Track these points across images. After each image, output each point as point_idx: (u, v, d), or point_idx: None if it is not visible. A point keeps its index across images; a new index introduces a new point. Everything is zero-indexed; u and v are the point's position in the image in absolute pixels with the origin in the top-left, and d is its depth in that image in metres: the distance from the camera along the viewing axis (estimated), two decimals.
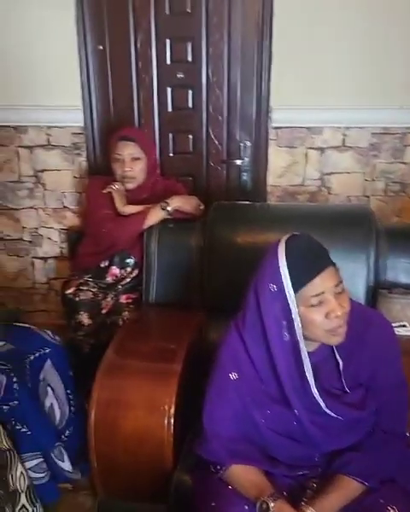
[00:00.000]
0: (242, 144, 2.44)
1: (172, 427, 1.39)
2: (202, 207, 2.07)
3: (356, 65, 2.30)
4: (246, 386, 1.17)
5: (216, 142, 2.46)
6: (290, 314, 1.08)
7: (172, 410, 1.40)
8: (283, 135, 2.43)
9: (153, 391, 1.44)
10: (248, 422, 1.18)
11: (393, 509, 1.09)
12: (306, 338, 1.11)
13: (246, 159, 2.45)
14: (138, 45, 2.38)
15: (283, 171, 2.47)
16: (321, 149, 2.44)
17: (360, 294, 1.80)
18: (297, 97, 2.36)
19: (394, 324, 1.69)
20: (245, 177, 2.48)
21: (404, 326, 1.70)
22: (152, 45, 2.38)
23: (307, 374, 1.12)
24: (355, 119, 2.38)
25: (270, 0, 2.22)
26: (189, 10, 2.32)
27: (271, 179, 2.48)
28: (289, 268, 1.08)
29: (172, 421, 1.39)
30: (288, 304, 1.08)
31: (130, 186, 2.10)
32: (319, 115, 2.38)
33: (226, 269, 1.84)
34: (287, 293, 1.08)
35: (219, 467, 1.17)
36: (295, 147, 2.44)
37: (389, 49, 2.28)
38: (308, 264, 1.08)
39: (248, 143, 2.44)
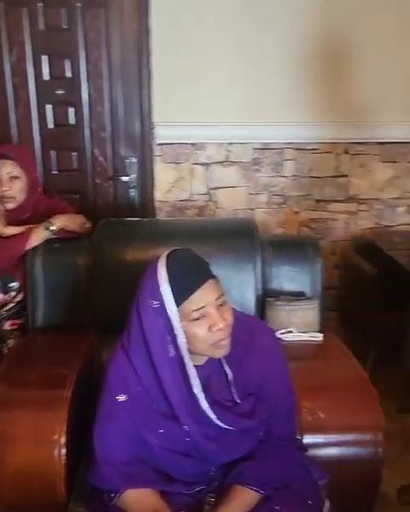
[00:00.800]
0: (127, 161, 2.44)
1: (63, 458, 1.31)
2: (88, 225, 2.02)
3: (236, 82, 2.40)
4: (136, 407, 1.14)
5: (101, 159, 2.43)
6: (174, 329, 1.08)
7: (63, 440, 1.32)
8: (168, 151, 2.46)
9: (41, 421, 1.35)
10: (141, 444, 1.15)
11: None
12: (191, 352, 1.11)
13: (133, 175, 2.45)
14: (13, 61, 2.30)
15: (170, 186, 2.49)
16: (206, 165, 2.50)
17: (249, 304, 1.85)
18: (180, 114, 2.41)
19: (281, 331, 1.76)
20: (133, 193, 2.48)
21: (290, 332, 1.77)
22: (28, 61, 2.31)
23: (194, 388, 1.12)
24: (237, 135, 2.47)
25: (146, 18, 2.25)
26: (65, 26, 2.29)
27: (159, 195, 2.50)
28: (170, 283, 1.08)
29: (64, 451, 1.31)
30: (170, 319, 1.08)
31: (10, 206, 2.00)
32: (202, 131, 2.45)
33: (117, 287, 1.80)
34: (169, 309, 1.07)
35: (112, 494, 1.13)
36: (181, 162, 2.48)
37: (266, 67, 2.40)
38: (188, 279, 1.08)
39: (134, 160, 2.44)
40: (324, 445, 1.38)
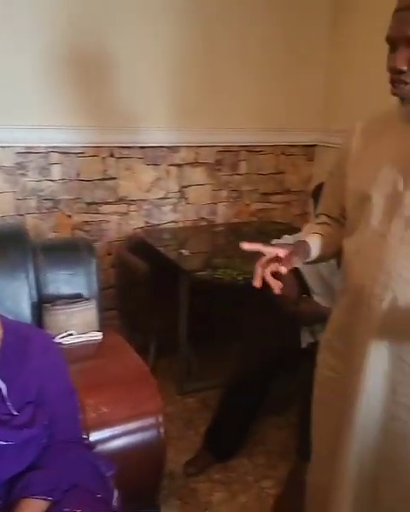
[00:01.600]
0: None
1: None
2: None
3: None
4: None
5: None
6: None
7: None
8: None
9: None
10: None
11: None
12: None
13: None
14: None
15: None
16: None
17: (25, 312, 1.81)
18: None
19: (61, 334, 1.77)
20: None
21: (71, 334, 1.78)
22: None
23: None
24: None
25: None
26: None
27: None
28: None
29: None
30: None
31: None
32: None
33: None
34: None
35: None
36: None
37: (22, 68, 2.31)
38: None
39: None
40: (110, 438, 1.44)
